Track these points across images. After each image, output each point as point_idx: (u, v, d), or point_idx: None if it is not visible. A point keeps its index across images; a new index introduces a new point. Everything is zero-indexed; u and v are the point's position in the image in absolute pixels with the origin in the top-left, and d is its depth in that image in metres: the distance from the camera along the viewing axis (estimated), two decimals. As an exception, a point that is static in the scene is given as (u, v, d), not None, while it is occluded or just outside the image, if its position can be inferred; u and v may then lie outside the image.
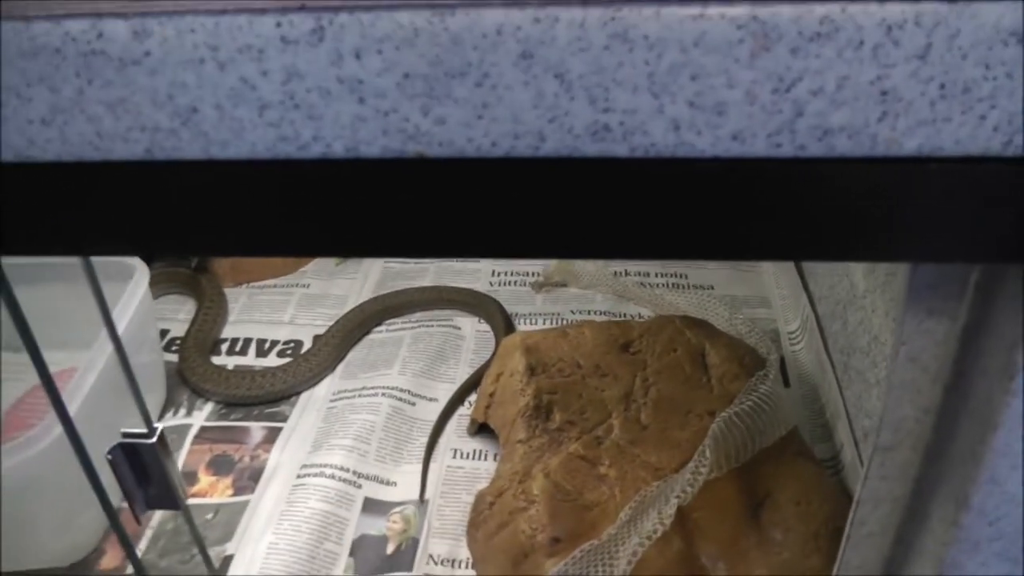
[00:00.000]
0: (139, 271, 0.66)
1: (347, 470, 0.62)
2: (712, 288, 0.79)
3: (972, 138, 0.24)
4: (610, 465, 0.54)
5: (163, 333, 0.78)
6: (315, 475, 0.62)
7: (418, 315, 0.78)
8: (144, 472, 0.39)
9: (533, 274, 0.82)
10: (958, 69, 0.23)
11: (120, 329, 0.58)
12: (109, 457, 0.37)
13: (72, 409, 0.53)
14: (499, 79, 0.24)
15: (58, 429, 0.53)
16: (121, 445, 0.38)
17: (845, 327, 0.63)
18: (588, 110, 0.24)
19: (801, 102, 0.24)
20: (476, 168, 0.25)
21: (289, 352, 0.74)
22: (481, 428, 0.64)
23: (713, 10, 0.22)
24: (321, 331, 0.75)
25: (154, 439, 0.37)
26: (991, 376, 0.31)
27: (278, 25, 0.23)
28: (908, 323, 0.32)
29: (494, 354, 0.69)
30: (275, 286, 0.84)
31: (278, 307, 0.80)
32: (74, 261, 0.67)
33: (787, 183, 0.25)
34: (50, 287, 0.68)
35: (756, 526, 0.53)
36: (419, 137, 0.25)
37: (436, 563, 0.56)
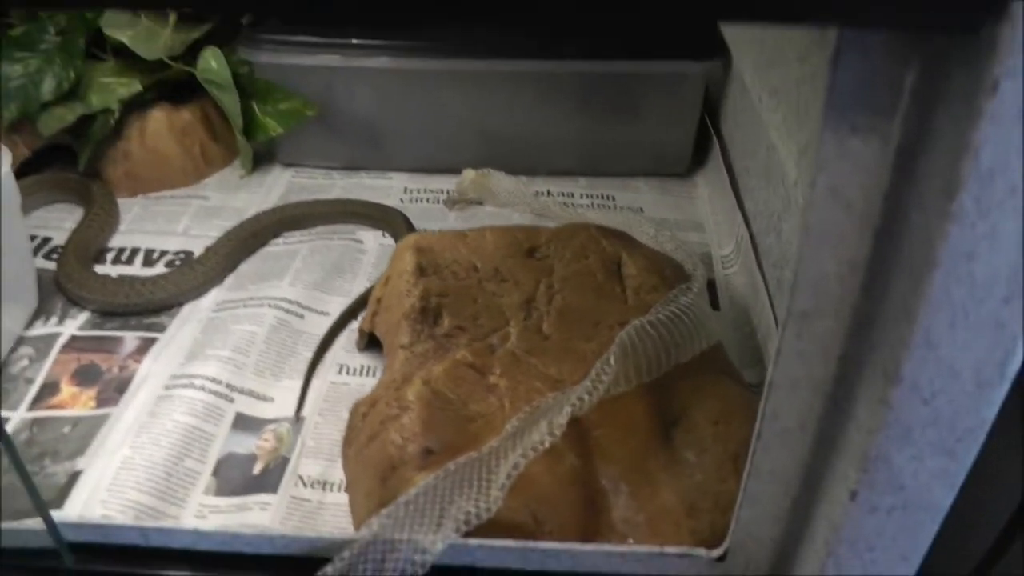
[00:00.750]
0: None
1: (220, 382, 0.55)
2: (641, 211, 0.72)
3: None
4: (501, 375, 0.47)
5: (45, 241, 0.71)
6: (184, 386, 0.55)
7: (319, 228, 0.71)
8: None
9: (446, 192, 0.75)
10: None
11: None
12: None
13: None
14: None
15: None
16: None
17: (779, 238, 0.57)
18: None
19: None
20: None
21: (178, 263, 0.67)
22: (371, 342, 0.58)
23: None
24: (214, 244, 0.68)
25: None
26: (928, 206, 0.25)
27: None
28: (827, 145, 0.26)
29: (393, 265, 0.62)
30: (172, 197, 0.76)
31: (172, 218, 0.73)
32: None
33: None
34: None
35: (667, 447, 0.47)
36: None
37: (305, 485, 0.50)
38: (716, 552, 0.39)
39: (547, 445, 0.41)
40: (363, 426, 0.47)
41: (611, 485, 0.45)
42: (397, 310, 0.52)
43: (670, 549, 0.39)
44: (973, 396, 0.27)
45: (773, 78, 0.57)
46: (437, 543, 0.38)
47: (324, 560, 0.37)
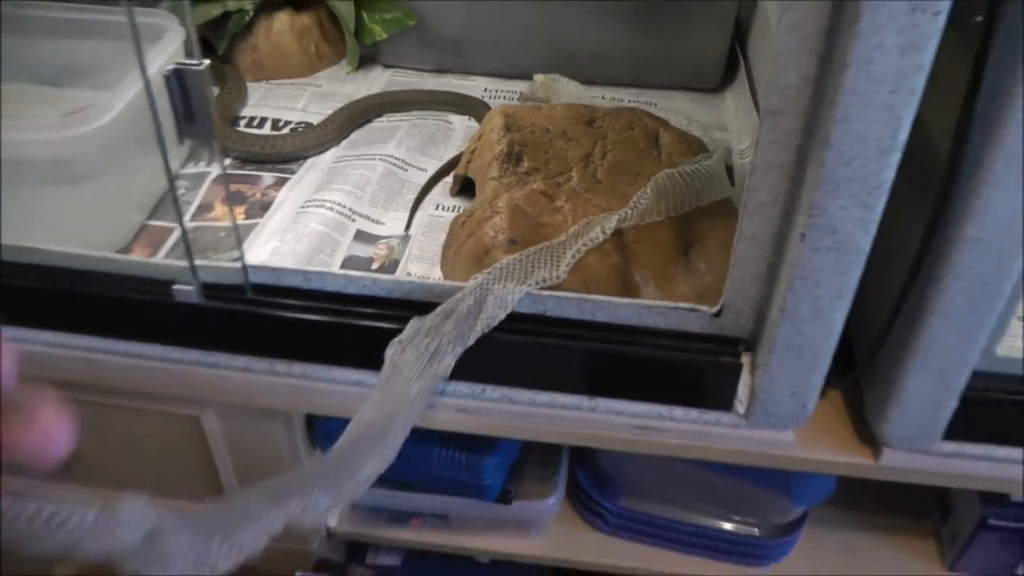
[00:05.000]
0: (170, 31, 0.75)
1: (344, 206, 0.72)
2: (678, 114, 0.88)
3: None
4: (565, 201, 0.64)
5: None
6: (316, 206, 0.72)
7: (416, 112, 0.87)
8: (187, 105, 0.49)
9: (519, 93, 0.91)
10: None
11: (150, 72, 0.68)
12: (166, 75, 0.47)
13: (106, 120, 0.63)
14: None
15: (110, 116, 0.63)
16: (175, 70, 0.47)
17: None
18: None
19: None
20: None
21: (300, 130, 0.84)
22: (462, 190, 0.74)
23: None
24: (330, 119, 0.85)
25: (203, 66, 0.47)
26: (845, 32, 0.41)
27: None
28: (791, -5, 0.42)
29: (479, 137, 0.78)
30: (290, 84, 0.93)
31: (292, 98, 0.90)
32: (107, 18, 0.76)
33: None
34: (85, 42, 0.78)
35: (685, 260, 0.63)
36: None
37: (412, 278, 0.66)
38: (714, 308, 0.55)
39: (599, 240, 0.58)
40: (462, 230, 0.64)
41: (642, 280, 0.61)
42: (488, 154, 0.69)
43: (682, 304, 0.55)
44: (877, 160, 0.43)
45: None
46: (521, 290, 0.55)
47: (437, 304, 0.54)
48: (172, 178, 0.73)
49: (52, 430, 0.25)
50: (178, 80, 0.48)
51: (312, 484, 0.42)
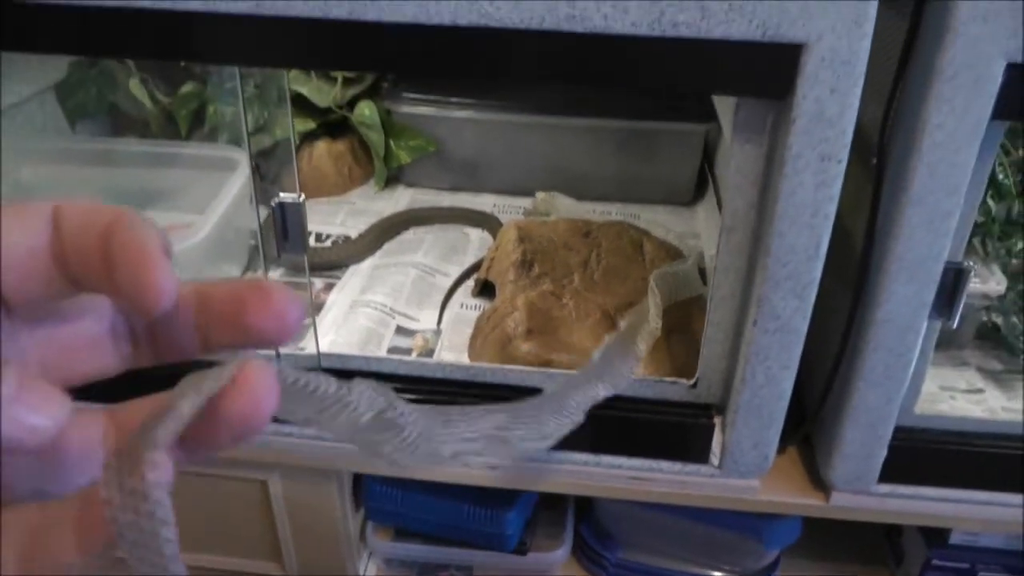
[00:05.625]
0: (241, 163, 0.91)
1: (385, 306, 0.87)
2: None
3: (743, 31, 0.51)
4: (570, 299, 0.80)
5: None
6: (362, 306, 0.87)
7: (437, 225, 1.04)
8: (285, 228, 0.64)
9: (524, 208, 1.08)
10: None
11: (229, 198, 0.84)
12: (272, 207, 0.62)
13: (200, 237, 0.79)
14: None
15: (202, 234, 0.78)
16: (280, 203, 0.63)
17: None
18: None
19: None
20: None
21: (341, 242, 1.00)
22: (482, 291, 0.90)
23: None
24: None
25: (302, 199, 0.63)
26: (777, 177, 0.57)
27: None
28: (735, 148, 0.58)
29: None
30: (328, 202, 1.09)
31: (331, 215, 1.06)
32: (184, 151, 0.93)
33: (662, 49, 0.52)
34: (165, 171, 0.94)
35: (667, 345, 0.78)
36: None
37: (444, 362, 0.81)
38: (691, 381, 0.70)
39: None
40: (487, 324, 0.79)
41: (633, 360, 0.76)
42: (506, 261, 0.84)
43: (666, 378, 0.70)
44: (806, 264, 0.59)
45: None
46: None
47: (476, 383, 0.69)
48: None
49: (287, 311, 0.26)
50: (281, 210, 0.63)
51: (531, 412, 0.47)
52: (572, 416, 0.53)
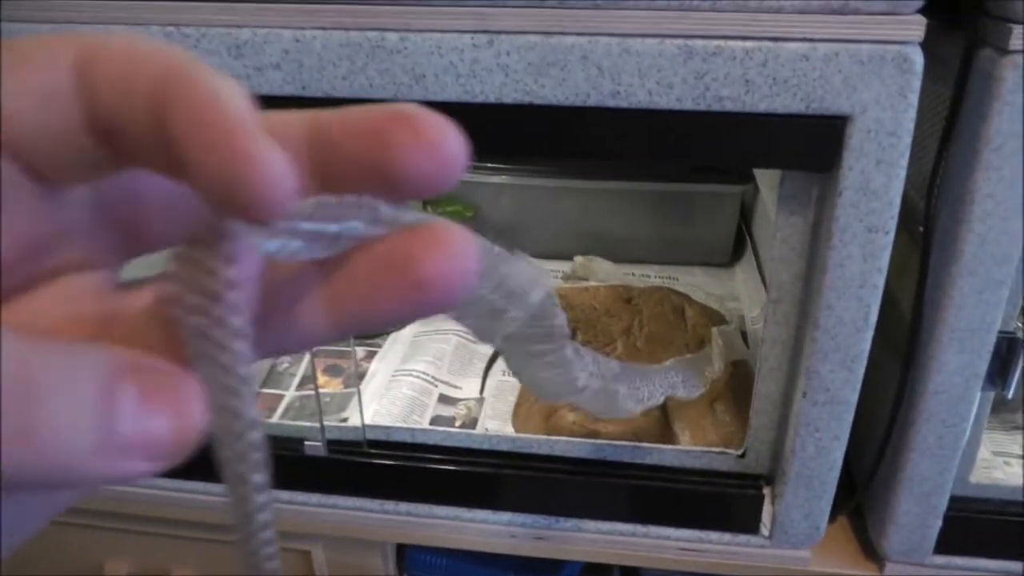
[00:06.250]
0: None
1: (427, 375, 0.87)
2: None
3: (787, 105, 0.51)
4: (614, 366, 0.79)
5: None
6: (404, 375, 0.87)
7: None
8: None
9: (561, 272, 1.08)
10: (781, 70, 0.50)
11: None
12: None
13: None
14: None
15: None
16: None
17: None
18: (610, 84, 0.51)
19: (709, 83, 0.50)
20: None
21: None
22: (522, 357, 0.90)
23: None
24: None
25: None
26: (824, 248, 0.57)
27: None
28: (780, 220, 0.58)
29: (534, 312, 0.94)
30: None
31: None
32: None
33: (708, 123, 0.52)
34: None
35: (712, 413, 0.78)
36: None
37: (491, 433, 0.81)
38: (739, 451, 0.69)
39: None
40: (530, 394, 0.79)
41: (679, 430, 0.76)
42: (547, 329, 0.84)
43: (713, 448, 0.70)
44: (854, 335, 0.58)
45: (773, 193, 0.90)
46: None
47: (521, 455, 0.69)
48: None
49: (445, 144, 0.19)
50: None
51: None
52: (658, 393, 0.60)
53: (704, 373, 0.73)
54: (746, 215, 1.11)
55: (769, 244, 1.00)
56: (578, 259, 1.05)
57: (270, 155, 0.16)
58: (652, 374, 0.60)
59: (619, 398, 0.50)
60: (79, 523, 0.84)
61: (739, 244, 1.10)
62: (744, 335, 0.92)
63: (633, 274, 1.07)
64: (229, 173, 0.16)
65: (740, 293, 1.04)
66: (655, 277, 1.07)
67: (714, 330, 0.76)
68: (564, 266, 1.08)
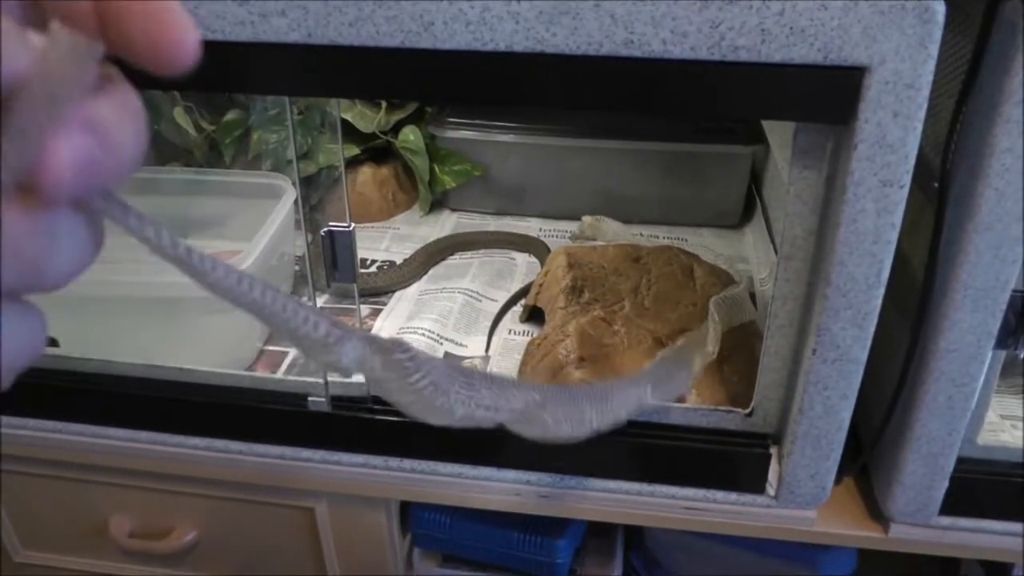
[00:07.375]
0: (286, 191, 0.92)
1: (433, 332, 0.87)
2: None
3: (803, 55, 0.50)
4: (621, 325, 0.79)
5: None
6: (409, 333, 0.86)
7: (483, 250, 1.03)
8: (334, 256, 0.64)
9: (569, 232, 1.07)
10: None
11: (274, 226, 0.84)
12: (321, 235, 0.62)
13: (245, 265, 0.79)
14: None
15: (250, 260, 0.78)
16: (328, 231, 0.63)
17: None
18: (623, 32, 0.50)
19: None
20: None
21: (385, 268, 0.99)
22: (530, 317, 0.89)
23: None
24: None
25: (351, 227, 0.62)
26: (837, 203, 0.56)
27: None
28: (794, 174, 0.57)
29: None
30: (372, 227, 1.09)
31: (376, 240, 1.06)
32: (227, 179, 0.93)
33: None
34: (213, 200, 0.95)
35: (720, 373, 0.77)
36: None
37: (495, 389, 0.80)
38: (746, 410, 0.69)
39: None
40: (538, 351, 0.78)
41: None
42: (555, 288, 0.84)
43: (720, 407, 0.69)
44: (866, 292, 0.57)
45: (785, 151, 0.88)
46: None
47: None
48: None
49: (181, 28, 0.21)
50: (331, 238, 0.63)
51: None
52: (614, 411, 0.53)
53: (698, 361, 0.71)
54: (756, 177, 1.09)
55: (780, 204, 0.98)
56: (586, 219, 1.04)
57: (186, 27, 0.21)
58: (614, 390, 0.53)
59: (549, 425, 0.45)
60: (84, 479, 0.84)
61: (749, 206, 1.09)
62: (753, 296, 0.91)
63: (642, 234, 1.06)
64: (155, 42, 0.21)
65: (749, 254, 1.03)
66: (664, 238, 1.06)
67: (712, 302, 0.75)
68: (572, 226, 1.07)
